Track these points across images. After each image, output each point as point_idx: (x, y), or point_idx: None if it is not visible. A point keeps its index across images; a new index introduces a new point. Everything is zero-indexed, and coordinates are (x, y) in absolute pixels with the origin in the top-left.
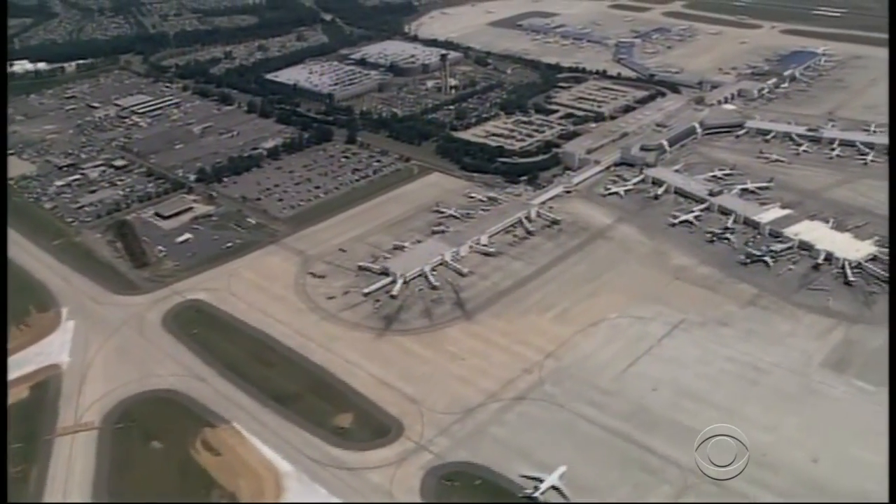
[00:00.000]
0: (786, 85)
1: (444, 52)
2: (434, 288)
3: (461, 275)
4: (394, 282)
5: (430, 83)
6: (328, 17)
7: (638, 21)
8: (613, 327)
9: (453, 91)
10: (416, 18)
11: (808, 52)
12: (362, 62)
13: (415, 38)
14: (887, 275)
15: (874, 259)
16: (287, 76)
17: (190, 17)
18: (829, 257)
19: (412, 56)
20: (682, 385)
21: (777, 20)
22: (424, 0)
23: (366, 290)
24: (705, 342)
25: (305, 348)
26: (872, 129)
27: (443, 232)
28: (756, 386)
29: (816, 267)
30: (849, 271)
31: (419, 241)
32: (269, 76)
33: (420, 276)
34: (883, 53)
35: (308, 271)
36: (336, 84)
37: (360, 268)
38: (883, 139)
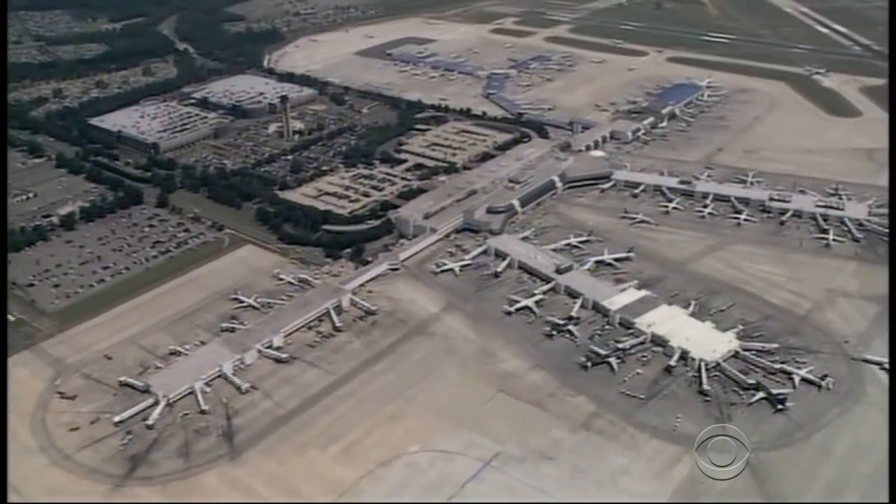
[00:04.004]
0: (664, 124)
1: (284, 92)
2: (203, 412)
3: (240, 391)
4: (156, 403)
5: (272, 127)
6: (183, 48)
7: (518, 48)
8: (410, 467)
9: (296, 137)
10: (280, 47)
11: (690, 86)
12: (204, 102)
13: (270, 72)
14: (749, 381)
15: (735, 355)
16: (114, 121)
17: (30, 47)
18: (685, 356)
19: (261, 94)
20: None
21: (664, 46)
22: (294, 26)
23: (117, 418)
24: (520, 487)
25: None
26: (750, 179)
27: (232, 330)
28: None
29: (669, 369)
30: (704, 377)
31: (202, 343)
32: (95, 121)
33: (190, 394)
34: (768, 87)
35: (57, 390)
36: (165, 130)
37: (121, 383)
38: (759, 193)
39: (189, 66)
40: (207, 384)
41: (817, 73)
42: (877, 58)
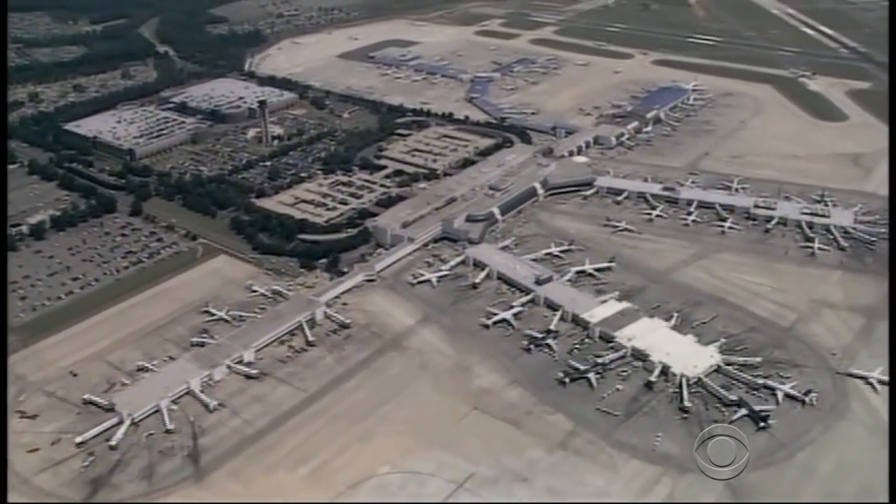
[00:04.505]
0: (649, 129)
1: (264, 96)
2: (169, 431)
3: (208, 409)
4: (120, 423)
5: (251, 132)
6: (163, 50)
7: (503, 50)
8: (380, 489)
9: (275, 142)
10: (262, 50)
11: (675, 89)
12: (182, 107)
13: (251, 76)
14: (731, 397)
15: (718, 370)
16: (90, 126)
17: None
18: (666, 371)
19: (240, 98)
20: None
21: (649, 48)
22: (277, 28)
23: (79, 439)
24: None
25: None
26: (735, 185)
27: (202, 345)
28: None
29: (649, 385)
30: (685, 393)
31: (171, 359)
32: (70, 126)
33: (156, 413)
34: (754, 90)
35: (17, 409)
36: (142, 135)
37: (85, 401)
38: (743, 200)
39: (169, 70)
40: (174, 402)
41: (803, 76)
42: (863, 60)
